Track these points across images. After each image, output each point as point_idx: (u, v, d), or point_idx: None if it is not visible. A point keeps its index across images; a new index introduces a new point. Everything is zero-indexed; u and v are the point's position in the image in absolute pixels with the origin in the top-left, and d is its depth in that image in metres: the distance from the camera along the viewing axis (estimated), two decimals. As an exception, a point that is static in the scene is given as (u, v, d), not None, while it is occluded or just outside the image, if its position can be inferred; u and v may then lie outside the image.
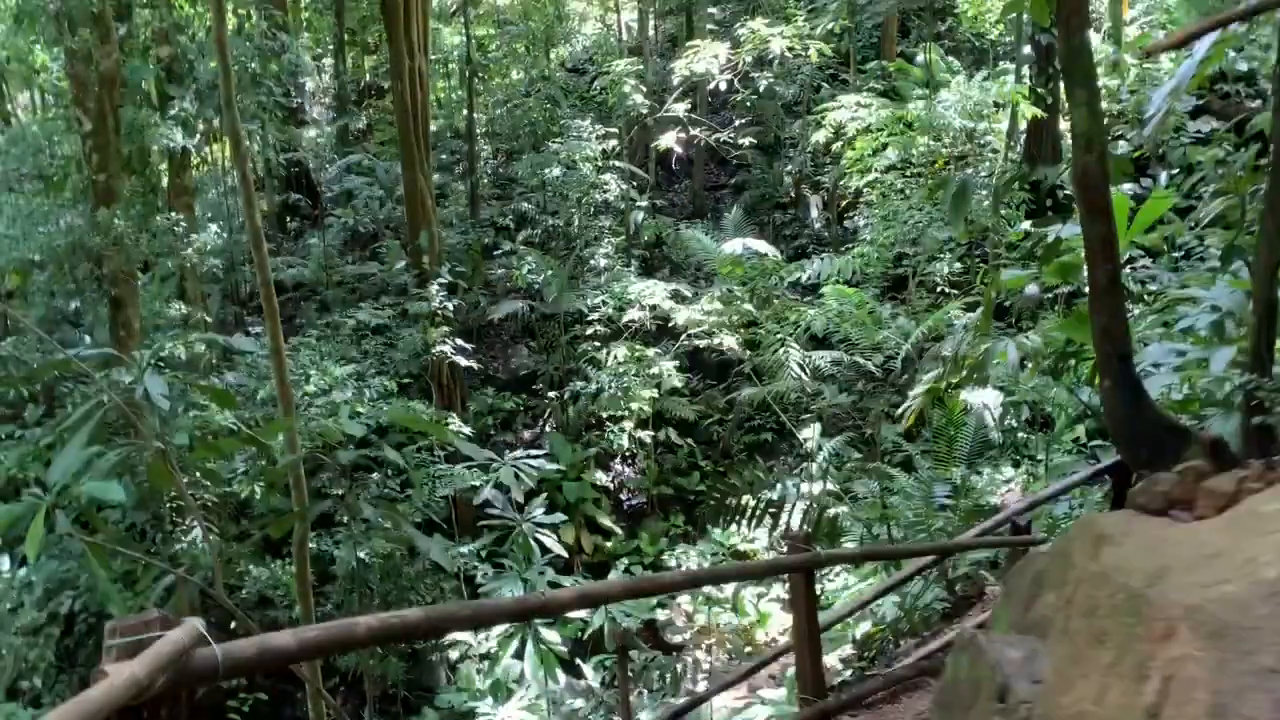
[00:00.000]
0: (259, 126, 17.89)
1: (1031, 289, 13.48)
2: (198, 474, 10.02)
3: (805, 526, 15.03)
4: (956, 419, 11.93)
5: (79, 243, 12.34)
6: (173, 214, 13.89)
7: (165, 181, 15.59)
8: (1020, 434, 14.08)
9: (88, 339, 13.95)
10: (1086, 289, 12.79)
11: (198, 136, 14.74)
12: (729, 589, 14.36)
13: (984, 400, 13.46)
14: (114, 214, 11.88)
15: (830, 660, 10.14)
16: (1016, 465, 13.10)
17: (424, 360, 15.36)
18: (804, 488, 15.04)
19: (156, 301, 13.94)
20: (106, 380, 9.68)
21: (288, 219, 21.27)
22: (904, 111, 17.19)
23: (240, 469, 11.69)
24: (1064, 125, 19.85)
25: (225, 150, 17.77)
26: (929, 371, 11.06)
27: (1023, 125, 19.05)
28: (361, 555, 10.68)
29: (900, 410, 10.46)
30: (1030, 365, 10.00)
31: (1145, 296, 12.60)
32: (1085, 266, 4.62)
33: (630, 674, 12.78)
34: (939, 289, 16.85)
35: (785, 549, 4.49)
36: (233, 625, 10.13)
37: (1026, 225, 16.42)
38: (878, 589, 6.95)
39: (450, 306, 15.40)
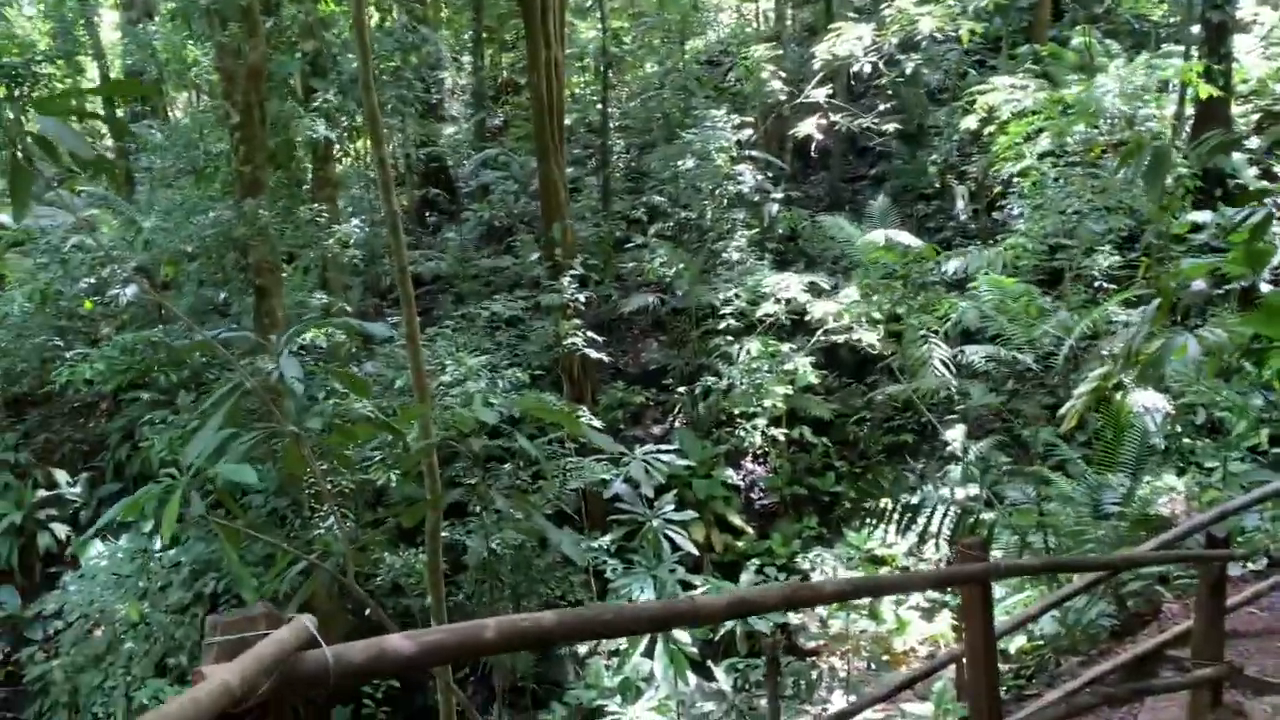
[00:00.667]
0: (399, 121, 18.14)
1: (1199, 284, 12.48)
2: (335, 461, 10.07)
3: (947, 531, 14.29)
4: (1123, 421, 11.05)
5: (226, 233, 12.62)
6: (316, 206, 14.11)
7: (309, 175, 15.89)
8: (1186, 440, 13.08)
9: (234, 327, 14.30)
10: (1266, 283, 11.71)
11: (340, 129, 14.96)
12: (845, 574, 13.78)
13: (1148, 403, 12.52)
14: (259, 205, 12.09)
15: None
16: (1181, 473, 12.17)
17: (555, 353, 15.24)
18: (947, 492, 14.30)
19: (300, 292, 14.18)
20: (249, 366, 9.82)
21: (426, 214, 21.55)
22: (1061, 94, 16.20)
23: (376, 456, 11.74)
24: (1236, 109, 18.51)
25: (367, 144, 18.07)
26: (1092, 370, 10.25)
27: (1189, 110, 17.83)
28: (493, 545, 10.55)
29: (1061, 411, 9.70)
30: (1207, 363, 9.13)
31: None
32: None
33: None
34: (1096, 284, 15.84)
35: (955, 557, 4.01)
36: (366, 612, 10.15)
37: (1194, 216, 15.28)
38: (1042, 603, 6.34)
39: (582, 299, 15.23)
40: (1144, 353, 9.11)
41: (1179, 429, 13.30)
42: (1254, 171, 18.11)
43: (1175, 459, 12.79)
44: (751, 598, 3.01)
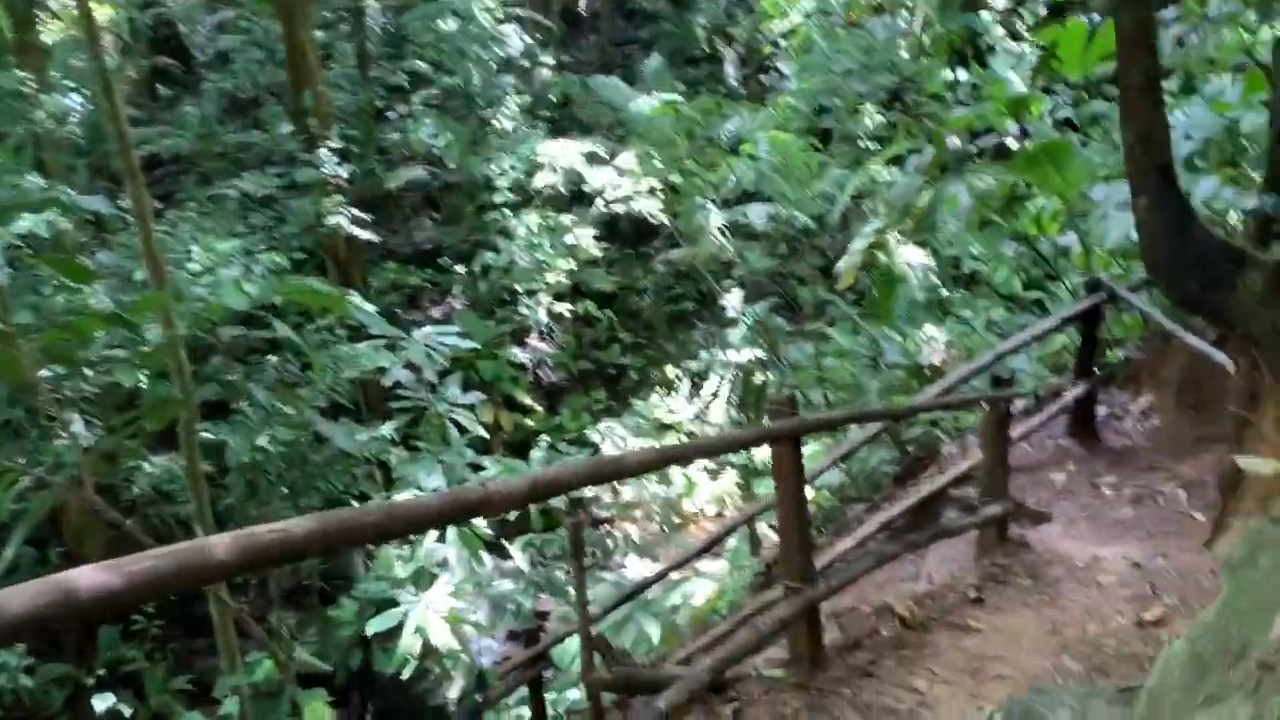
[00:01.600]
0: (115, -22, 15.93)
1: (954, 140, 12.77)
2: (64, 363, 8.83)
3: (733, 395, 14.50)
4: (894, 275, 11.34)
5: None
6: (19, 74, 12.17)
7: (8, 40, 13.69)
8: (945, 292, 13.64)
9: (-68, 220, 12.31)
10: (1012, 140, 12.05)
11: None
12: (635, 443, 13.81)
13: (911, 258, 12.93)
14: (-56, 71, 10.25)
15: (767, 529, 9.64)
16: (941, 323, 12.71)
17: (317, 234, 14.09)
18: (729, 356, 14.45)
19: (8, 175, 12.31)
20: (-55, 261, 8.36)
21: (156, 85, 19.29)
22: (822, -47, 16.10)
23: (120, 355, 10.50)
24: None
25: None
26: (864, 227, 10.38)
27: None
28: (262, 443, 9.71)
29: (838, 268, 9.78)
30: (970, 214, 9.34)
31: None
32: (1118, 64, 3.84)
33: (567, 550, 12.17)
34: (861, 144, 16.12)
35: (769, 415, 3.76)
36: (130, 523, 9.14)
37: (948, 75, 15.70)
38: (832, 455, 6.34)
39: (343, 175, 14.07)
40: (916, 205, 9.23)
41: (939, 281, 13.86)
42: (1000, 32, 18.71)
43: (937, 310, 13.36)
44: (551, 477, 2.59)
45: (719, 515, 14.14)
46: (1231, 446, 6.31)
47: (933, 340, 11.73)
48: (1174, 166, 3.81)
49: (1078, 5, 16.46)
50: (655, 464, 2.92)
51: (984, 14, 18.37)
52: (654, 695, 3.19)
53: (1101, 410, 7.52)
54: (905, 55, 17.56)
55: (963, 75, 15.32)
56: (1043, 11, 18.01)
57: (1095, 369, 7.30)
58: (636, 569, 12.22)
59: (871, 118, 16.21)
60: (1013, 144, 14.35)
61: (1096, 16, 9.34)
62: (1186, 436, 6.97)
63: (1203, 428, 6.89)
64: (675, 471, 13.65)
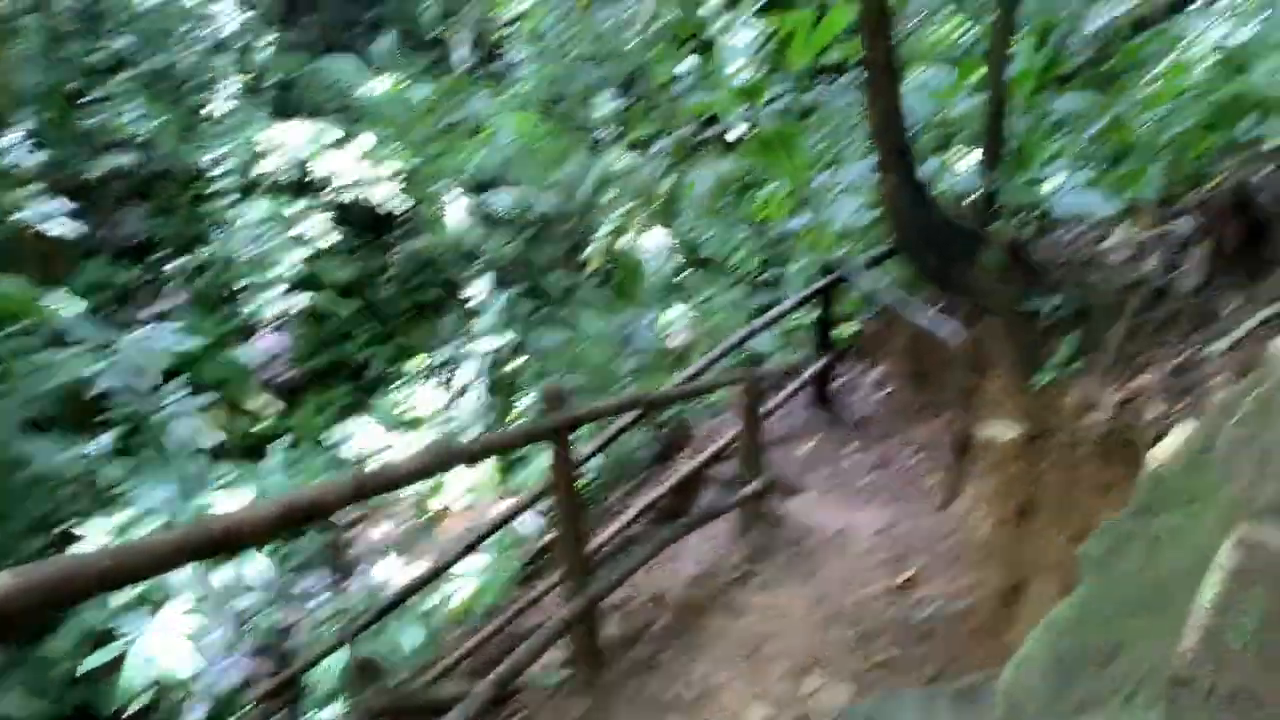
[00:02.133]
0: None
1: (663, 140, 12.99)
2: None
3: (484, 383, 14.17)
4: (638, 259, 11.43)
5: None
6: None
7: None
8: (686, 273, 13.94)
9: None
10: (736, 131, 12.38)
11: None
12: (382, 440, 13.26)
13: (654, 242, 13.11)
14: None
15: (532, 517, 9.47)
16: (684, 304, 13.00)
17: (6, 229, 12.47)
18: (477, 345, 14.11)
19: None
20: None
21: None
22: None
23: None
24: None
25: None
26: (610, 211, 10.40)
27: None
28: (-54, 469, 8.46)
29: (586, 253, 9.72)
30: (709, 197, 9.55)
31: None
32: (862, 44, 3.93)
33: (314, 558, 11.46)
34: (596, 130, 16.17)
35: (541, 408, 3.58)
36: None
37: (675, 65, 16.08)
38: (594, 442, 6.24)
39: (36, 162, 12.52)
40: (658, 190, 9.33)
41: (680, 264, 14.15)
42: (722, 22, 19.26)
43: (678, 292, 13.65)
44: (308, 500, 2.29)
45: (470, 508, 13.81)
46: (955, 412, 6.76)
47: (676, 322, 11.96)
48: (910, 148, 3.95)
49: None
50: (431, 467, 2.67)
51: (702, 11, 18.91)
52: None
53: (839, 383, 7.89)
54: (634, 44, 17.81)
55: (691, 64, 15.74)
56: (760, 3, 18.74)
57: (832, 344, 7.64)
58: (389, 572, 11.70)
59: (605, 105, 16.33)
60: (736, 133, 14.87)
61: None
62: (914, 404, 7.42)
63: (926, 395, 7.35)
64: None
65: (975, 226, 3.91)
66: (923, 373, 7.40)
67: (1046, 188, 5.48)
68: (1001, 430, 3.86)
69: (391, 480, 2.58)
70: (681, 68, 15.70)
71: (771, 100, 12.69)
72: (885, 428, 7.26)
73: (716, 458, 7.08)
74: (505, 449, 2.84)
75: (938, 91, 7.01)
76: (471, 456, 2.94)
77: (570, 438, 3.37)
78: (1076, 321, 3.59)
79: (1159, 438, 2.59)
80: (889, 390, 7.73)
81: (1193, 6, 7.78)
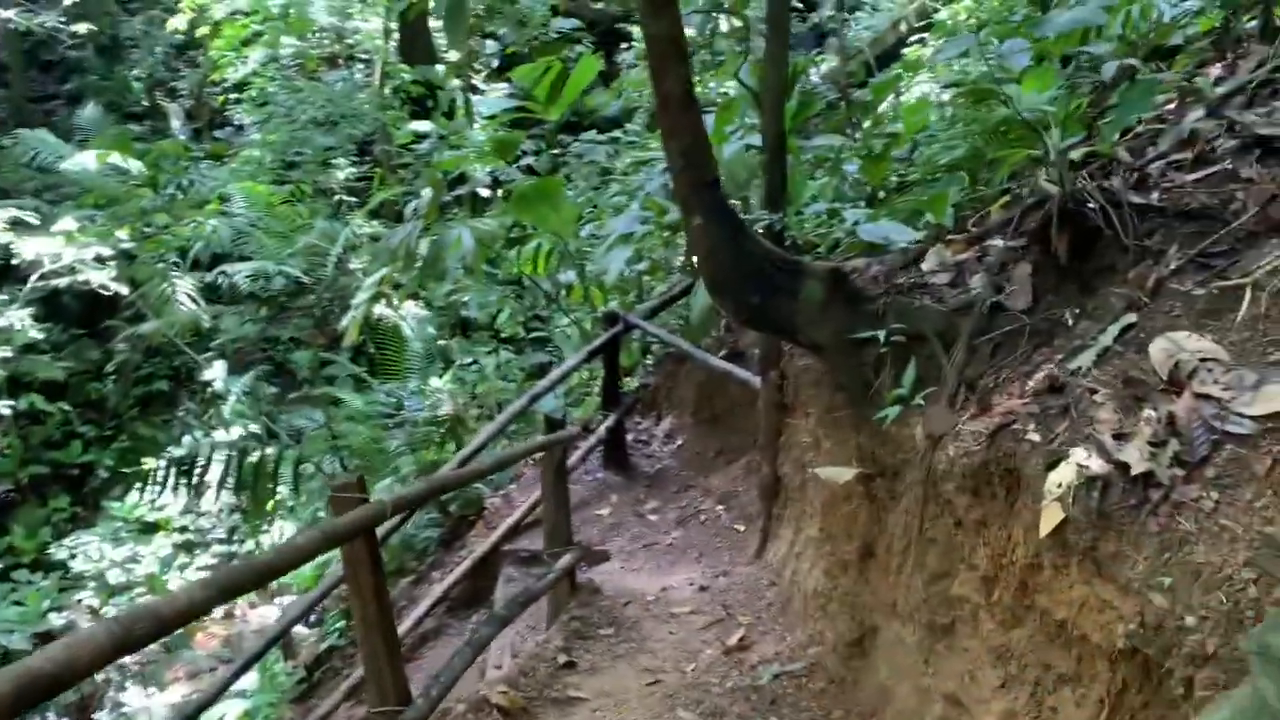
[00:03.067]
0: None
1: (426, 192, 12.63)
2: None
3: (230, 478, 12.88)
4: (399, 328, 10.74)
5: None
6: None
7: None
8: (442, 341, 13.40)
9: None
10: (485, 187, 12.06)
11: None
12: (117, 553, 11.78)
13: (408, 310, 12.48)
14: None
15: (303, 630, 8.55)
16: (446, 371, 12.48)
17: None
18: (220, 435, 12.82)
19: None
20: None
21: None
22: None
23: None
24: (434, 24, 19.29)
25: None
26: (361, 280, 9.67)
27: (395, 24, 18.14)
28: None
29: (342, 325, 8.96)
30: (473, 258, 9.09)
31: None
32: (651, 78, 3.63)
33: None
34: (337, 197, 15.36)
35: (328, 508, 2.98)
36: None
37: (415, 126, 15.62)
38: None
39: None
40: (417, 253, 8.74)
41: (437, 331, 13.59)
42: (458, 83, 19.02)
43: (439, 360, 13.06)
44: (52, 667, 1.65)
45: (229, 616, 12.48)
46: (762, 456, 6.60)
47: (443, 391, 11.37)
48: (719, 180, 3.69)
49: (531, 56, 17.17)
50: (215, 599, 2.06)
51: (439, 67, 18.59)
52: None
53: (629, 437, 7.58)
54: (368, 107, 17.17)
55: (427, 125, 15.29)
56: (495, 64, 18.59)
57: (621, 399, 7.33)
58: (140, 702, 10.28)
59: (344, 170, 15.57)
60: (484, 191, 14.53)
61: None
62: (708, 452, 7.22)
63: (720, 441, 7.18)
64: (173, 579, 11.82)
65: (797, 260, 3.69)
66: (714, 419, 7.23)
67: (829, 221, 5.44)
68: (836, 472, 3.62)
69: (169, 619, 1.96)
70: (424, 127, 15.23)
71: (521, 156, 12.46)
72: (683, 480, 7.00)
73: (514, 531, 6.57)
74: (304, 560, 2.28)
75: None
76: (260, 577, 2.33)
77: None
78: (908, 350, 3.41)
79: (1052, 465, 2.38)
80: (680, 441, 7.50)
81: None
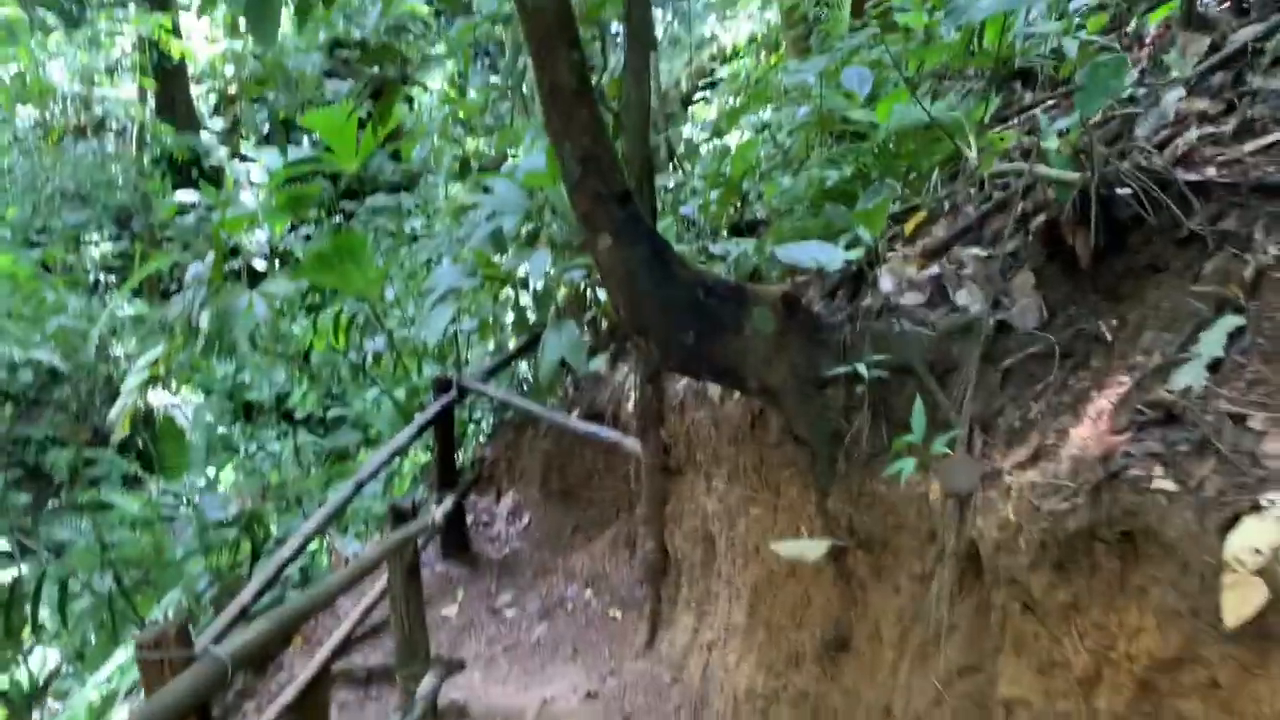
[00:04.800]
0: None
1: (196, 266, 11.24)
2: None
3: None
4: (168, 420, 9.19)
5: None
6: None
7: None
8: (223, 430, 11.86)
9: None
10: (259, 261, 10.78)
11: None
12: None
13: (179, 400, 10.91)
14: None
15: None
16: (231, 461, 11.00)
17: None
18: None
19: None
20: None
21: None
22: None
23: None
24: (195, 89, 17.75)
25: None
26: (136, 362, 8.15)
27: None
28: None
29: (112, 417, 7.43)
30: (270, 329, 7.83)
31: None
32: (534, 67, 2.78)
33: None
34: (93, 276, 13.48)
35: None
36: None
37: (180, 196, 14.00)
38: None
39: None
40: (188, 332, 7.40)
41: (215, 417, 12.05)
42: (224, 151, 17.46)
43: (221, 450, 11.54)
44: None
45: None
46: (622, 528, 5.73)
47: (235, 484, 9.93)
48: (633, 195, 2.86)
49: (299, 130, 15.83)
50: None
51: (205, 135, 16.98)
52: None
53: (470, 520, 6.52)
54: (124, 178, 15.38)
55: (194, 195, 13.71)
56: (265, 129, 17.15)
57: (458, 478, 6.28)
58: None
59: (99, 246, 13.71)
60: (261, 264, 13.10)
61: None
62: (564, 528, 6.28)
63: (576, 515, 6.26)
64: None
65: (740, 283, 2.90)
66: (566, 491, 6.30)
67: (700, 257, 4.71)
68: (802, 547, 2.83)
69: None
70: (190, 197, 13.62)
71: (296, 227, 11.26)
72: (538, 563, 6.01)
73: (344, 646, 5.37)
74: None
75: (535, 174, 6.08)
76: None
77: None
78: (889, 388, 2.68)
79: (1230, 524, 1.66)
80: (528, 520, 6.51)
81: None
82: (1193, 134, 2.43)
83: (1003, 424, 2.40)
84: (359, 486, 5.27)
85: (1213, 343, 1.98)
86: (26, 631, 9.20)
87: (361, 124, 7.70)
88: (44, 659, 10.26)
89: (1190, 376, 1.95)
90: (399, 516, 4.26)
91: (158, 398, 10.03)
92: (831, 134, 5.60)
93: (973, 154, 3.75)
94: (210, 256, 6.77)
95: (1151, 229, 2.31)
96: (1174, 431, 1.88)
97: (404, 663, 4.21)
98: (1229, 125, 2.40)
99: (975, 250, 2.83)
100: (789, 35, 8.39)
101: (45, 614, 9.00)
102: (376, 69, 19.08)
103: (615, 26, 6.13)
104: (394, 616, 4.24)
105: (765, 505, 3.40)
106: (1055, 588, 2.03)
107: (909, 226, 3.53)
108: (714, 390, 3.79)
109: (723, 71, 13.80)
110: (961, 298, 2.68)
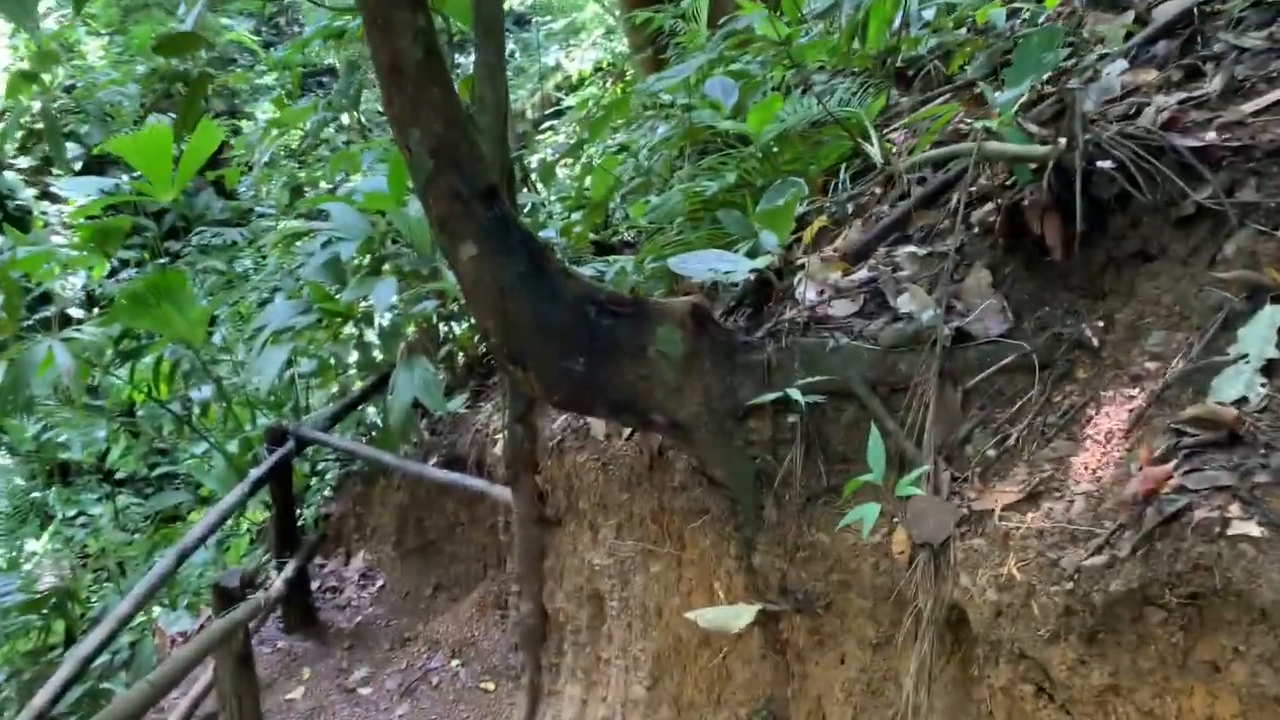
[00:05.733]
0: None
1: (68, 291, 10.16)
2: None
3: None
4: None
5: None
6: None
7: None
8: (37, 494, 10.57)
9: None
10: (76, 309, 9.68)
11: None
12: None
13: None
14: None
15: None
16: (44, 529, 9.83)
17: None
18: None
19: None
20: None
21: None
22: None
23: None
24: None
25: None
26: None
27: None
28: None
29: None
30: (78, 380, 6.78)
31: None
32: (370, 40, 2.18)
33: None
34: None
35: None
36: None
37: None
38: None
39: None
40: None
41: (22, 481, 10.76)
42: (33, 191, 15.90)
43: (34, 517, 10.26)
44: None
45: None
46: (489, 588, 5.07)
47: (41, 558, 8.75)
48: (501, 190, 2.28)
49: (118, 166, 14.53)
50: None
51: (9, 175, 15.40)
52: None
53: (313, 586, 5.69)
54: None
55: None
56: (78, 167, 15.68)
57: (299, 540, 5.47)
58: None
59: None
60: (77, 311, 11.84)
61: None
62: (423, 589, 5.55)
63: (437, 574, 5.55)
64: None
65: (641, 297, 2.34)
66: (425, 547, 5.58)
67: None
68: (726, 615, 2.28)
69: None
70: (-13, 241, 12.16)
71: (117, 271, 10.20)
72: (395, 632, 5.25)
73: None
74: None
75: (376, 195, 5.39)
76: None
77: None
78: (824, 415, 2.18)
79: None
80: (382, 582, 5.74)
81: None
82: (1167, 98, 2.05)
83: (971, 453, 1.94)
84: (182, 558, 4.44)
85: (1258, 339, 1.55)
86: None
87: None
88: None
89: (1239, 384, 1.52)
90: (225, 597, 3.49)
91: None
92: (696, 149, 5.19)
93: (875, 150, 3.35)
94: (-4, 299, 5.77)
95: (1140, 208, 1.89)
96: (1240, 456, 1.43)
97: (234, 774, 3.43)
98: (1212, 87, 2.03)
99: (911, 249, 2.38)
100: (639, 59, 8.00)
101: None
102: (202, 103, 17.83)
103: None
104: (223, 717, 3.46)
105: (667, 560, 2.84)
106: (1086, 666, 1.54)
107: (808, 234, 3.07)
108: (599, 426, 3.22)
109: (570, 100, 13.38)
110: (904, 303, 2.21)
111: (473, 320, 5.64)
